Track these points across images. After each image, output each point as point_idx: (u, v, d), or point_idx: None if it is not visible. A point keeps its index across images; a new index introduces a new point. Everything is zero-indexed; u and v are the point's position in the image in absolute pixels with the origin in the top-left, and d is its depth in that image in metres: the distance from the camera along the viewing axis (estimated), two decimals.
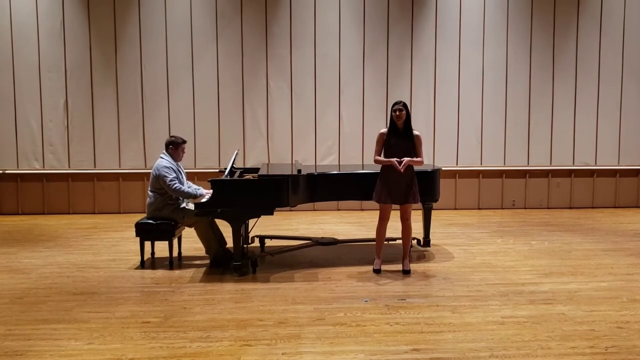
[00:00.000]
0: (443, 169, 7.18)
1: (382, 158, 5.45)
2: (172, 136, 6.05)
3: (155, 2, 8.95)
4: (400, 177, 5.36)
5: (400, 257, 5.70)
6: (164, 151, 5.91)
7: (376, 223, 5.60)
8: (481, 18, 9.29)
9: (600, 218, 8.66)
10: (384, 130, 5.51)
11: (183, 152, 5.98)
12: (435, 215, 6.95)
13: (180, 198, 5.83)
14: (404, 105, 5.40)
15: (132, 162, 9.09)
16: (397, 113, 5.35)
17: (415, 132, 5.47)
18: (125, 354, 3.67)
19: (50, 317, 4.34)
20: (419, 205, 6.52)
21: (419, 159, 5.43)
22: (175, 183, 5.68)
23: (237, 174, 6.22)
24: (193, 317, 4.34)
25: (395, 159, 5.33)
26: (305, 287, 5.11)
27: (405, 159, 5.32)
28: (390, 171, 5.39)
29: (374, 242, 5.72)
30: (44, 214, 8.99)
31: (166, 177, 5.66)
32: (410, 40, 9.25)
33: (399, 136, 5.41)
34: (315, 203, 7.45)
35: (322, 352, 3.69)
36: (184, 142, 5.98)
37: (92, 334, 4.01)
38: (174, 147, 5.89)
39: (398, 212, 5.57)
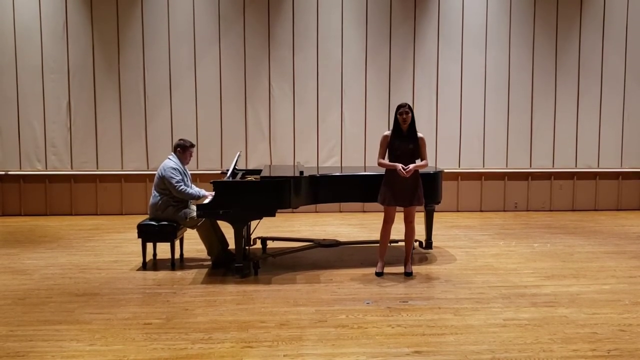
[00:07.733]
0: (445, 171, 7.16)
1: (386, 162, 5.42)
2: (181, 139, 6.04)
3: (158, 4, 8.97)
4: (406, 180, 5.33)
5: (402, 259, 5.70)
6: (172, 152, 5.94)
7: (378, 225, 5.59)
8: (484, 20, 9.29)
9: (603, 221, 8.64)
10: (388, 132, 5.48)
11: (190, 156, 5.99)
12: (437, 217, 6.94)
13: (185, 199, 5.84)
14: (410, 108, 5.36)
15: (134, 164, 9.10)
16: (404, 116, 5.31)
17: (420, 135, 5.44)
18: (127, 355, 3.67)
19: (52, 318, 4.35)
20: (421, 207, 6.54)
21: (424, 162, 5.42)
22: (181, 185, 5.71)
23: (239, 175, 6.22)
24: (195, 318, 4.34)
25: (401, 165, 5.30)
26: (307, 289, 5.11)
27: (411, 166, 5.30)
28: (395, 174, 5.34)
29: (376, 244, 5.72)
30: (46, 215, 9.00)
31: (172, 178, 5.68)
32: (413, 42, 9.25)
33: (403, 139, 5.37)
34: (317, 205, 7.47)
35: (324, 354, 3.69)
36: (192, 145, 5.99)
37: (94, 335, 4.01)
38: (182, 150, 5.90)
39: (402, 214, 5.56)
